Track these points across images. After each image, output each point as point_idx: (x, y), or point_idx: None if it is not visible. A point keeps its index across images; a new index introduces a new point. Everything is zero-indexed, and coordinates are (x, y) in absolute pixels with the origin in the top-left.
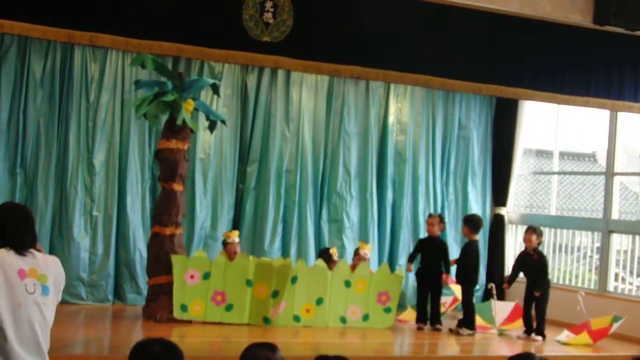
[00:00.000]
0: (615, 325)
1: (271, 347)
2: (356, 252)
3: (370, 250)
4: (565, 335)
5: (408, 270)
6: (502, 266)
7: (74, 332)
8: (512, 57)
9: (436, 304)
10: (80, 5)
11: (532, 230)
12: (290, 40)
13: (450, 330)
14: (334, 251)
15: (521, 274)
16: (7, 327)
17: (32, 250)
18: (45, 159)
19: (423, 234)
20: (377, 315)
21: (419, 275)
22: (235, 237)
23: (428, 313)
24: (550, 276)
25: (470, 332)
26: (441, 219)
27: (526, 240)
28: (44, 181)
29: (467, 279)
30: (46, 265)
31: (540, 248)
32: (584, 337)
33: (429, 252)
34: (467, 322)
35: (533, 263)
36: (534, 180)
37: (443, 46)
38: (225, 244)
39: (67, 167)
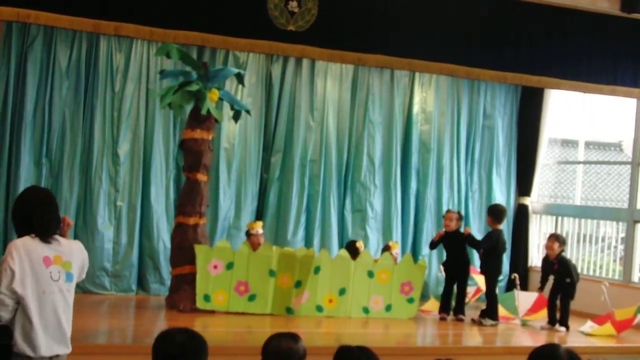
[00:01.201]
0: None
1: (293, 337)
2: (385, 249)
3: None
4: (589, 326)
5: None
6: (525, 256)
7: (98, 322)
8: (538, 46)
9: (462, 295)
10: None
11: (555, 238)
12: (315, 29)
13: (473, 321)
14: (360, 244)
15: None
16: (32, 314)
17: (57, 236)
18: (70, 149)
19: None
20: (400, 305)
21: (446, 266)
22: (259, 228)
23: (451, 304)
24: (576, 277)
25: (493, 322)
26: (460, 216)
27: (548, 247)
28: (69, 171)
29: (490, 268)
30: (70, 251)
31: (564, 254)
32: (608, 327)
33: (454, 244)
34: (490, 312)
35: (555, 272)
36: (559, 170)
37: (468, 35)
38: (248, 234)
39: (91, 157)
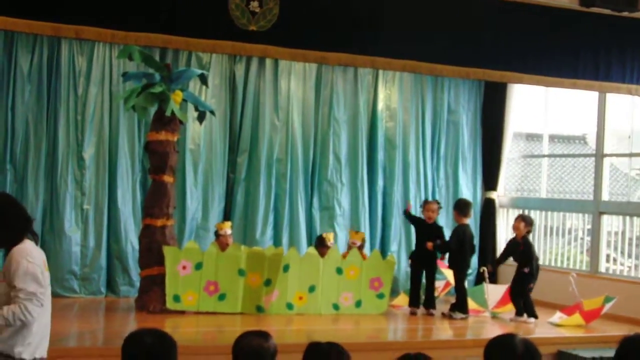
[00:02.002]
0: (607, 306)
1: (264, 335)
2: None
3: (362, 240)
4: (557, 316)
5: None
6: (493, 250)
7: (68, 325)
8: (499, 41)
9: (431, 287)
10: None
11: (521, 219)
12: (277, 29)
13: (443, 315)
14: (327, 236)
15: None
16: (42, 317)
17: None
18: (34, 154)
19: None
20: (370, 301)
21: (413, 258)
22: (227, 228)
23: (420, 297)
24: (536, 266)
25: (463, 315)
26: (439, 205)
27: (515, 227)
28: (34, 176)
29: (458, 263)
30: (44, 254)
31: (529, 237)
32: (577, 318)
33: (427, 235)
34: (459, 306)
35: (520, 252)
36: (524, 164)
37: (429, 31)
38: (217, 235)
39: (57, 161)
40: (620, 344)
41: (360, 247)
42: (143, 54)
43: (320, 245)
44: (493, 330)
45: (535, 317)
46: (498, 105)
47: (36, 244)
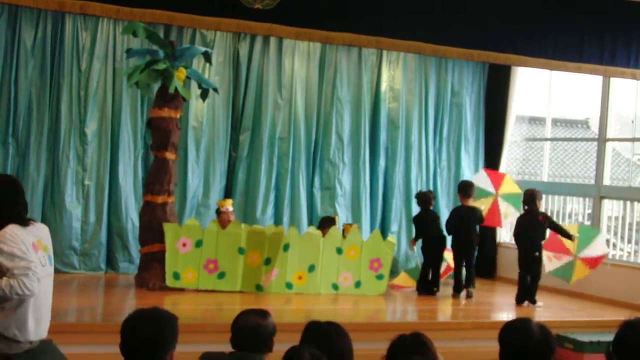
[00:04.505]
0: (597, 241)
1: (262, 314)
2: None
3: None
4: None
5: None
6: (493, 233)
7: (67, 301)
8: (505, 23)
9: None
10: None
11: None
12: (282, 8)
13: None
14: (336, 218)
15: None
16: (29, 301)
17: (32, 220)
18: (37, 128)
19: (415, 202)
20: (369, 282)
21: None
22: (229, 205)
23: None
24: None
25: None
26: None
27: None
28: (36, 151)
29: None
30: (46, 234)
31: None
32: (580, 267)
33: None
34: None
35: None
36: (527, 147)
37: (435, 12)
38: (218, 212)
39: (59, 136)
40: (620, 328)
41: None
42: (147, 31)
43: (328, 225)
44: (493, 314)
45: (532, 302)
46: (501, 88)
47: (24, 226)
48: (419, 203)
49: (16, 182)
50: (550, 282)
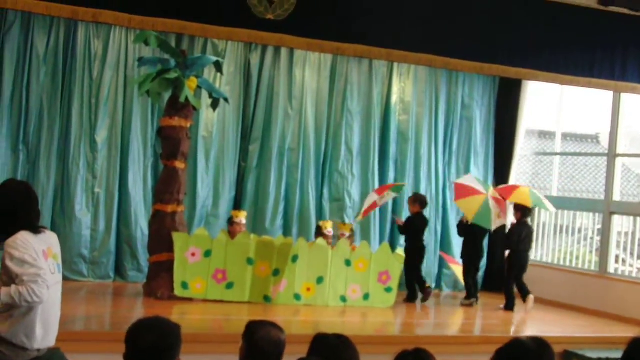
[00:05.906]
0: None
1: (279, 327)
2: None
3: (350, 230)
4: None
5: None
6: (502, 247)
7: (75, 309)
8: (516, 37)
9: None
10: None
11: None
12: (294, 19)
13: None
14: (324, 224)
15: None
16: (37, 308)
17: (43, 227)
18: (47, 135)
19: (426, 213)
20: (377, 294)
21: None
22: (243, 217)
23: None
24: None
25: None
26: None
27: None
28: (47, 158)
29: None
30: (56, 242)
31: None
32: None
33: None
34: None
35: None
36: (536, 161)
37: (447, 25)
38: (231, 222)
39: (69, 143)
40: (629, 345)
41: (350, 238)
42: (159, 40)
43: (317, 233)
44: (503, 328)
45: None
46: (512, 102)
47: (35, 234)
48: (420, 204)
49: (31, 189)
50: (563, 299)
